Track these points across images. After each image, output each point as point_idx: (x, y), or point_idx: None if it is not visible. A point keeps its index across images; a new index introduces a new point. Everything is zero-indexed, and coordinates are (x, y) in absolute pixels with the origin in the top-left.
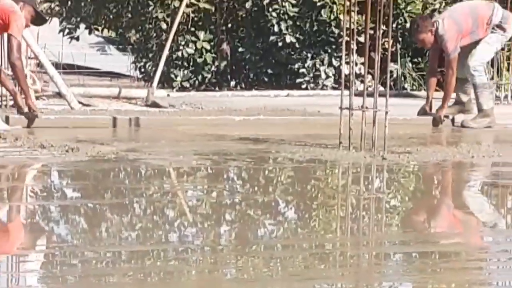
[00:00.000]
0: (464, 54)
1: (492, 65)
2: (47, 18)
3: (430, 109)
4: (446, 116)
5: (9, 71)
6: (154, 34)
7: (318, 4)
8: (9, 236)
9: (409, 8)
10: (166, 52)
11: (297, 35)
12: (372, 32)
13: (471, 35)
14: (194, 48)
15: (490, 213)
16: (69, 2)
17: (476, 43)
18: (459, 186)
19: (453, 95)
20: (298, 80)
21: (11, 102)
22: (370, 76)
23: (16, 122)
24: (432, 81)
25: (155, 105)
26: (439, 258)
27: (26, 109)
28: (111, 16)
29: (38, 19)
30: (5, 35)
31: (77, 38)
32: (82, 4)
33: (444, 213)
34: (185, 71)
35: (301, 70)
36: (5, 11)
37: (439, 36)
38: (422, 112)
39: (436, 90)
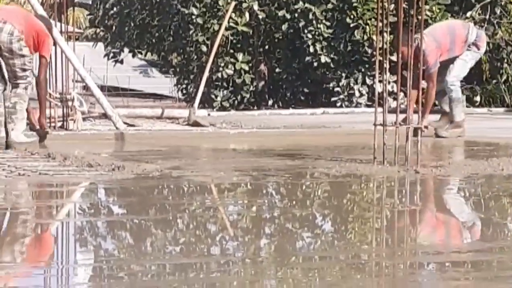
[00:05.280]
0: (443, 69)
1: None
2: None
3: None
4: (426, 127)
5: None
6: (195, 57)
7: (352, 25)
8: (59, 250)
9: None
10: (206, 73)
11: (332, 55)
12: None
13: (448, 52)
14: (233, 69)
15: None
16: (114, 27)
17: (452, 60)
18: (490, 198)
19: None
20: (333, 99)
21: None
22: (402, 94)
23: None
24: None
25: (196, 124)
26: (472, 267)
27: (37, 126)
28: (153, 40)
29: None
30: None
31: (121, 62)
32: (126, 29)
33: (475, 224)
34: (225, 92)
35: (336, 89)
36: (42, 34)
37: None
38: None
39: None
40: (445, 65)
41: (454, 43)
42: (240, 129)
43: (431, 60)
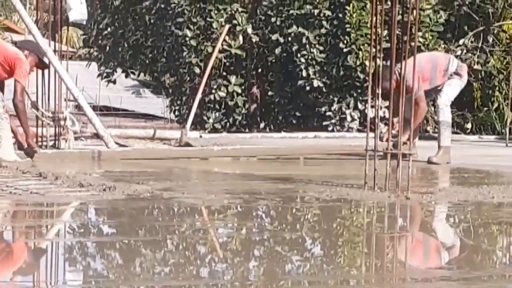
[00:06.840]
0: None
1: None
2: (48, 65)
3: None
4: (405, 143)
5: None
6: (188, 78)
7: (345, 50)
8: (48, 270)
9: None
10: (199, 95)
11: (324, 80)
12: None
13: (430, 81)
14: (225, 91)
15: None
16: (107, 48)
17: (436, 89)
18: (479, 226)
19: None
20: (325, 123)
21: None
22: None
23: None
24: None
25: (188, 145)
26: None
27: (26, 146)
28: (147, 61)
29: (41, 65)
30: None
31: (114, 82)
32: (120, 49)
33: (465, 251)
34: (217, 114)
35: (328, 113)
36: (11, 58)
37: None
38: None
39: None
40: (428, 95)
41: (435, 71)
42: (223, 146)
43: (413, 84)
